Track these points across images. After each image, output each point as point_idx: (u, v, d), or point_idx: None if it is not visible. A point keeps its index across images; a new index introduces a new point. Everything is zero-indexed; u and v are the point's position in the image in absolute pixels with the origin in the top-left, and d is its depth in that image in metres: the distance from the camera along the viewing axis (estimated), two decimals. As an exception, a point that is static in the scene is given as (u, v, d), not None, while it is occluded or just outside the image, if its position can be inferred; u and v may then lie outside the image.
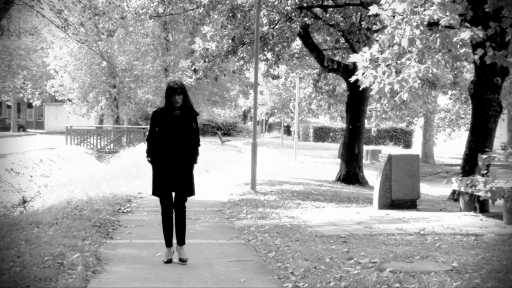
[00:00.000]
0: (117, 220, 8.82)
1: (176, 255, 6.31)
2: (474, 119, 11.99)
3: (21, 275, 5.21)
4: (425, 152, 31.21)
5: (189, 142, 6.24)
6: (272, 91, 39.44)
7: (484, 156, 9.47)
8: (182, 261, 6.21)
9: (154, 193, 6.35)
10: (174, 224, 6.35)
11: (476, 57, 8.28)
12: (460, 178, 10.29)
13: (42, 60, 41.35)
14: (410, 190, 10.59)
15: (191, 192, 6.33)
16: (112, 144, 32.22)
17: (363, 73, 8.69)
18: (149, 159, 6.33)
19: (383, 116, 24.99)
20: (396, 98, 8.68)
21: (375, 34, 15.41)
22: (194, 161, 6.31)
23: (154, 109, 6.44)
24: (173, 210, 6.33)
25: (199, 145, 6.36)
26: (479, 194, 9.31)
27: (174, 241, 6.38)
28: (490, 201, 9.07)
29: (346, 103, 17.17)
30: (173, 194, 6.32)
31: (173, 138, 6.17)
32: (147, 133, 6.45)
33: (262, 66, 17.74)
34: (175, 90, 6.13)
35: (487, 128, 11.70)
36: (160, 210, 6.40)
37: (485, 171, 9.68)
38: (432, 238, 7.48)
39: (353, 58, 8.82)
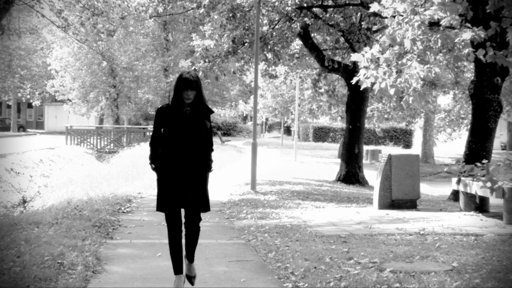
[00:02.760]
0: (117, 220, 8.81)
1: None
2: (474, 119, 11.99)
3: (21, 275, 5.21)
4: (425, 152, 31.21)
5: (202, 145, 5.10)
6: (274, 93, 39.37)
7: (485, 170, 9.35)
8: (190, 278, 5.23)
9: (159, 208, 5.12)
10: (183, 244, 5.21)
11: (481, 55, 8.25)
12: (462, 166, 10.16)
13: (43, 60, 41.39)
14: (410, 190, 10.59)
15: (206, 207, 5.16)
16: (112, 144, 32.26)
17: (364, 74, 8.70)
18: (153, 166, 5.14)
19: (385, 116, 25.01)
20: (402, 102, 8.69)
21: (375, 34, 15.42)
22: (209, 168, 5.17)
23: (159, 106, 5.28)
24: (182, 228, 5.20)
25: (212, 149, 5.22)
26: (478, 182, 9.20)
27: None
28: (489, 194, 8.98)
29: (346, 103, 17.18)
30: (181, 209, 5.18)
31: (182, 141, 5.01)
32: (151, 134, 5.26)
33: (263, 66, 17.71)
34: (189, 84, 4.95)
35: (487, 128, 11.70)
36: (166, 226, 5.19)
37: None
38: (432, 238, 7.47)
39: (354, 57, 8.84)
